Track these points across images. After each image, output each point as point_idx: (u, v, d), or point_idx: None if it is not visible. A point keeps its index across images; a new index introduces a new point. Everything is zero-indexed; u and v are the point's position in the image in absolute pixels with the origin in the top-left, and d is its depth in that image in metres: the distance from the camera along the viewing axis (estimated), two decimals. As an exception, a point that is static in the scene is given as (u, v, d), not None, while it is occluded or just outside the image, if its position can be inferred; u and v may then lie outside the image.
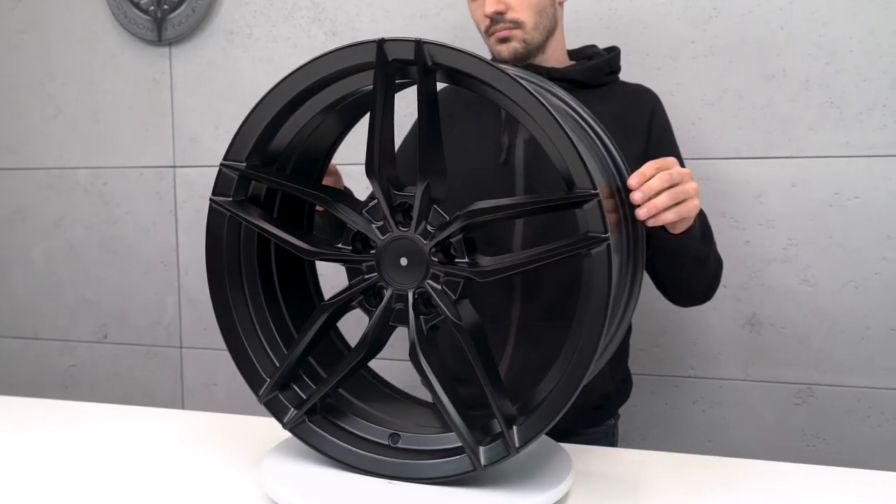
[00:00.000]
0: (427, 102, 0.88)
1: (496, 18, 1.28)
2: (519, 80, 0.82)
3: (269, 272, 1.05)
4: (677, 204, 0.94)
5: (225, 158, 0.98)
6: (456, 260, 0.90)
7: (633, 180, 0.93)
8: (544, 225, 1.26)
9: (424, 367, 0.92)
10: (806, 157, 1.62)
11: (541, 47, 1.33)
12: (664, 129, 1.33)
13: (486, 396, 0.88)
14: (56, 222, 2.18)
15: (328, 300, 0.96)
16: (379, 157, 0.92)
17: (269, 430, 1.16)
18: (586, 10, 1.71)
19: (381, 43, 0.87)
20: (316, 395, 0.96)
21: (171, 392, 2.14)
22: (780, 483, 0.99)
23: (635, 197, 0.92)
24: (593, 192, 0.81)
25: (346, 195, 0.98)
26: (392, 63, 0.89)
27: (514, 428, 0.88)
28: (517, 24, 1.28)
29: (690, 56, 1.67)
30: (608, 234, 0.81)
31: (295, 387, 1.01)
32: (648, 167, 0.94)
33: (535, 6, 1.28)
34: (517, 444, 0.86)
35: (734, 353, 1.70)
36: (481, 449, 0.88)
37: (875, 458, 1.63)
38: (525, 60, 1.32)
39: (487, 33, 1.31)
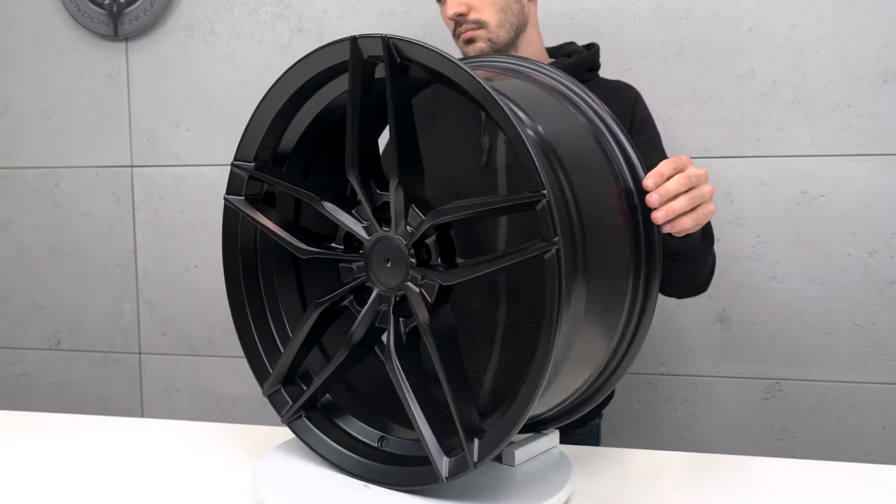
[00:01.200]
0: (398, 99, 0.85)
1: (459, 20, 1.27)
2: (473, 74, 0.78)
3: (293, 270, 1.05)
4: (693, 209, 0.89)
5: (235, 159, 0.98)
6: (431, 262, 0.88)
7: (649, 181, 0.87)
8: (528, 226, 1.25)
9: (397, 372, 0.89)
10: (774, 157, 1.65)
11: (510, 45, 1.32)
12: (646, 122, 1.33)
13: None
14: (3, 225, 2.08)
15: (320, 298, 0.95)
16: (358, 155, 0.90)
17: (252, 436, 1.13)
18: (557, 9, 1.71)
19: (354, 40, 0.85)
20: (306, 393, 0.95)
21: (129, 400, 2.06)
22: (787, 479, 1.00)
23: (652, 200, 0.87)
24: (541, 192, 0.74)
25: (340, 193, 0.95)
26: (368, 60, 0.87)
27: (476, 441, 0.82)
28: (480, 24, 1.27)
29: (661, 56, 1.69)
30: (557, 237, 0.73)
31: (300, 382, 1.01)
32: (666, 167, 0.88)
33: (497, 4, 1.27)
34: (475, 459, 0.81)
35: (705, 349, 1.72)
36: (446, 460, 0.83)
37: (840, 449, 1.68)
38: None
39: (454, 35, 1.31)
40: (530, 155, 0.74)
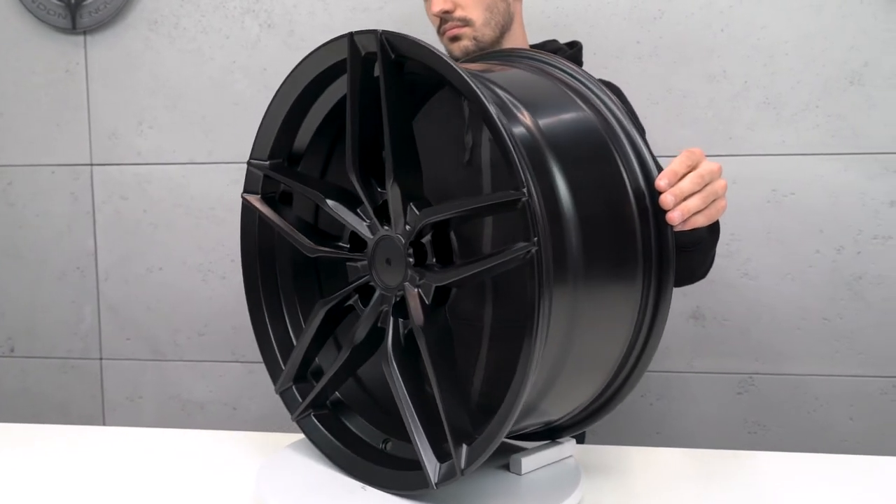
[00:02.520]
0: (393, 96, 0.83)
1: (445, 17, 1.26)
2: (459, 69, 0.75)
3: (309, 268, 1.04)
4: (707, 206, 0.87)
5: (251, 157, 0.98)
6: (427, 262, 0.86)
7: (663, 181, 0.84)
8: (514, 226, 1.25)
9: (394, 375, 0.87)
10: (745, 156, 1.69)
11: (495, 44, 1.31)
12: (635, 119, 1.34)
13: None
14: (-49, 226, 1.98)
15: (326, 297, 0.94)
16: (357, 153, 0.88)
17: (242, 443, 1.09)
18: (534, 7, 1.71)
19: (351, 37, 0.84)
20: (313, 392, 0.94)
21: (90, 407, 1.98)
22: (786, 473, 1.02)
23: (666, 201, 0.84)
24: (519, 192, 0.71)
25: (343, 192, 0.93)
26: (367, 57, 0.86)
27: (464, 447, 0.80)
28: (466, 22, 1.27)
29: (636, 56, 1.70)
30: (537, 237, 0.71)
31: (312, 380, 1.00)
32: (680, 165, 0.86)
33: (484, 3, 1.27)
34: (463, 466, 0.78)
35: (680, 346, 1.75)
36: (437, 466, 0.81)
37: (810, 441, 1.72)
38: None
39: (439, 32, 1.30)
40: (511, 151, 0.71)
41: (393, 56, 0.81)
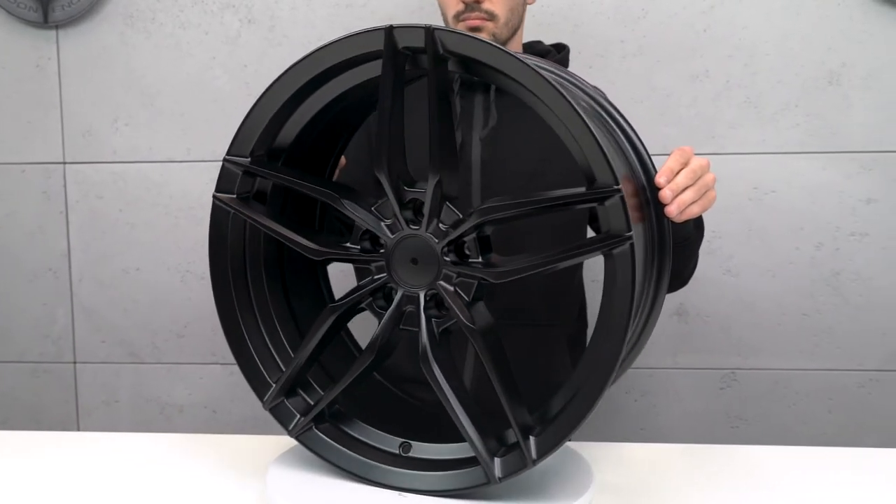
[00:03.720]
0: (439, 93, 0.84)
1: (472, 6, 1.24)
2: (538, 70, 0.79)
3: (278, 272, 0.99)
4: (700, 197, 0.95)
5: (228, 153, 0.92)
6: (470, 260, 0.87)
7: (661, 178, 0.92)
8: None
9: (437, 375, 0.87)
10: (727, 154, 1.71)
11: (504, 45, 1.31)
12: None
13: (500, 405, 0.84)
14: (-86, 226, 1.90)
15: (336, 302, 0.91)
16: (389, 151, 0.87)
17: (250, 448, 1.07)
18: (518, 6, 1.71)
19: (389, 30, 0.83)
20: (323, 401, 0.92)
21: (63, 412, 1.93)
22: (814, 471, 1.04)
23: (665, 195, 0.91)
24: (615, 187, 0.76)
25: (354, 191, 0.91)
26: (402, 52, 0.85)
27: (531, 438, 0.83)
28: (491, 17, 1.25)
29: (620, 55, 1.71)
30: (631, 232, 0.76)
31: (302, 393, 0.96)
32: (675, 163, 0.94)
33: (509, 2, 1.26)
34: (534, 456, 0.82)
35: (663, 342, 1.77)
36: (496, 461, 0.84)
37: (791, 434, 1.75)
38: None
39: (458, 19, 1.27)
40: (602, 150, 0.75)
41: (441, 51, 0.82)
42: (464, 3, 1.25)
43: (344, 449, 0.92)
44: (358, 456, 0.91)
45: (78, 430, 1.92)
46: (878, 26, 1.65)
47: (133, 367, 1.89)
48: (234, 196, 0.94)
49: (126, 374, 1.90)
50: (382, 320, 0.89)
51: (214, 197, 0.94)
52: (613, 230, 0.77)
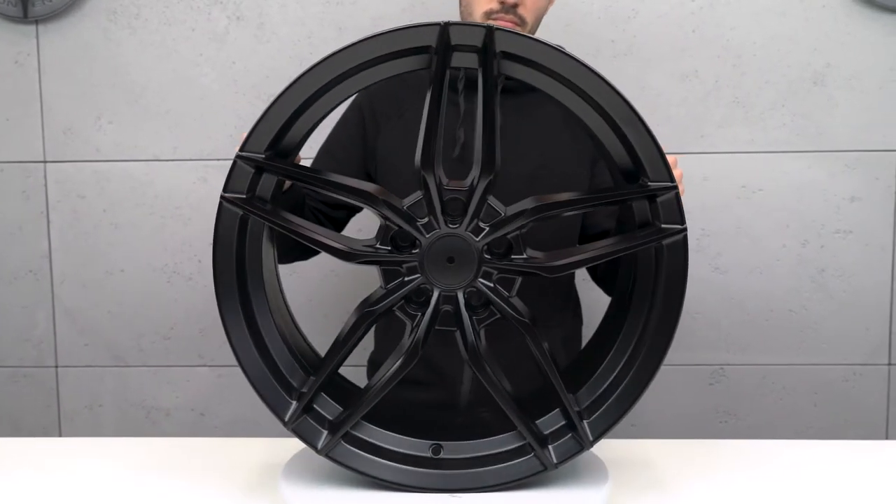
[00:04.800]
0: (490, 93, 0.85)
1: (508, 8, 1.23)
2: (598, 73, 0.84)
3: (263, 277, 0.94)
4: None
5: (242, 149, 0.86)
6: (512, 256, 0.88)
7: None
8: None
9: (488, 370, 0.88)
10: (716, 153, 1.74)
11: None
12: None
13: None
14: None
15: (371, 306, 0.89)
16: (435, 149, 0.87)
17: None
18: (510, 5, 1.71)
19: (445, 26, 0.83)
20: (359, 411, 0.89)
21: (44, 418, 1.88)
22: (811, 463, 1.06)
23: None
24: (671, 184, 0.86)
25: (384, 192, 0.90)
26: (453, 48, 0.86)
27: (585, 422, 0.89)
28: (522, 21, 1.25)
29: (611, 55, 1.73)
30: (685, 224, 0.87)
31: (316, 406, 0.92)
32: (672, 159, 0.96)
33: (539, 12, 1.28)
34: (591, 438, 0.88)
35: (654, 339, 1.78)
36: (550, 448, 0.88)
37: (779, 428, 1.79)
38: None
39: (488, 17, 1.25)
40: (659, 151, 0.85)
41: (497, 51, 0.84)
42: (500, 3, 1.23)
43: (377, 458, 0.89)
44: (392, 463, 0.89)
45: (60, 436, 1.87)
46: (861, 28, 1.69)
47: (117, 371, 1.85)
48: (245, 197, 0.88)
49: (110, 377, 1.86)
50: (423, 321, 0.88)
51: (223, 198, 0.87)
52: (666, 223, 0.86)
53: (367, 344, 1.42)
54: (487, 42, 0.83)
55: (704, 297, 1.77)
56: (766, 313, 1.77)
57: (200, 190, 1.79)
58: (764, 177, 1.73)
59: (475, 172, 0.86)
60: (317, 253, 1.22)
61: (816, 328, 1.77)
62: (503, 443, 0.91)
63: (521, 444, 0.90)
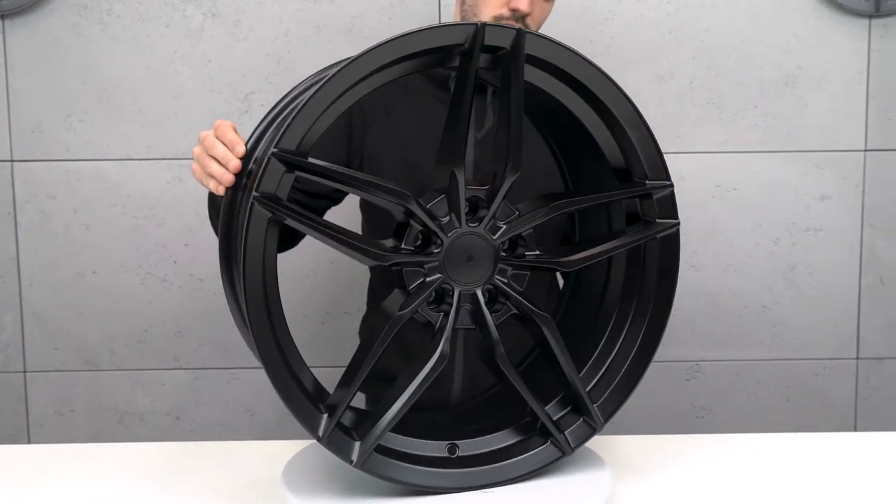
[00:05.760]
0: (517, 94, 0.87)
1: (516, 15, 1.23)
2: (610, 77, 0.92)
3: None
4: None
5: (277, 146, 0.81)
6: (526, 253, 0.91)
7: None
8: None
9: (510, 371, 0.90)
10: (692, 153, 1.77)
11: None
12: None
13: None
14: None
15: (401, 311, 0.86)
16: (463, 148, 0.88)
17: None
18: (489, 5, 1.72)
19: (483, 26, 0.84)
20: (393, 419, 0.85)
21: (12, 424, 1.82)
22: (777, 455, 1.09)
23: None
24: (669, 183, 0.94)
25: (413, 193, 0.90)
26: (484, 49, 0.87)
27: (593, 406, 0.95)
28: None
29: (589, 55, 1.71)
30: (678, 219, 0.95)
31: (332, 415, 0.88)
32: None
33: (541, 23, 1.31)
34: (602, 420, 0.94)
35: (632, 336, 1.81)
36: (566, 434, 0.93)
37: (753, 422, 1.83)
38: None
39: (495, 21, 1.25)
40: (660, 153, 0.91)
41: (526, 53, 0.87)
42: (511, 10, 1.23)
43: (407, 465, 0.87)
44: (420, 467, 0.88)
45: (29, 442, 1.82)
46: (829, 31, 1.74)
47: (89, 375, 1.81)
48: (276, 195, 0.82)
49: (82, 382, 1.81)
50: (448, 321, 0.87)
51: (257, 199, 0.80)
52: (661, 218, 0.93)
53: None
54: (516, 44, 0.85)
55: (680, 294, 1.75)
56: (740, 310, 1.81)
57: (175, 190, 1.76)
58: (737, 176, 1.77)
59: (498, 170, 0.88)
60: (303, 236, 1.22)
61: (788, 324, 1.81)
62: (512, 435, 0.93)
63: (529, 435, 0.93)
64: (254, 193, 0.79)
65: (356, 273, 1.71)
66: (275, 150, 0.79)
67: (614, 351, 0.98)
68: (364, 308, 1.45)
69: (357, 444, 0.84)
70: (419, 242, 0.88)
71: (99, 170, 1.75)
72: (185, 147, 1.75)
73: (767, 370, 1.83)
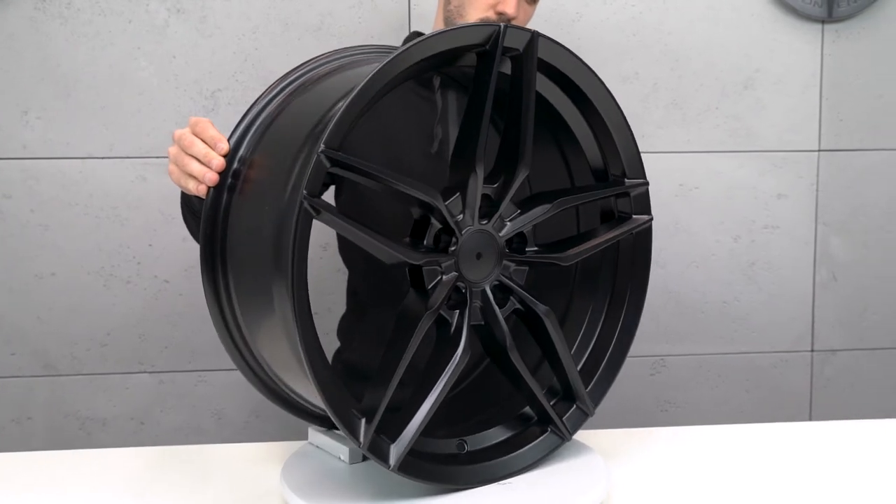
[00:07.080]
0: (528, 95, 0.89)
1: (502, 19, 1.23)
2: (604, 84, 0.98)
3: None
4: None
5: (325, 145, 0.78)
6: (526, 249, 0.94)
7: None
8: None
9: (521, 366, 0.91)
10: (656, 153, 1.81)
11: None
12: None
13: None
14: None
15: (430, 309, 0.85)
16: (483, 146, 0.88)
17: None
18: (459, 5, 1.73)
19: (505, 28, 0.86)
20: (424, 420, 0.83)
21: (-35, 434, 1.75)
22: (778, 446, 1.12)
23: None
24: (645, 181, 1.01)
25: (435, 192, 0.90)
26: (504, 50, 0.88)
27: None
28: None
29: (557, 56, 1.76)
30: (652, 214, 1.02)
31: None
32: None
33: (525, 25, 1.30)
34: (593, 405, 0.99)
35: (599, 333, 1.84)
36: (563, 421, 0.96)
37: (714, 414, 1.88)
38: None
39: (479, 21, 1.25)
40: (638, 153, 0.99)
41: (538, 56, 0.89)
42: (497, 13, 1.24)
43: (430, 464, 0.87)
44: (440, 466, 0.88)
45: (-16, 451, 1.75)
46: (785, 35, 1.80)
47: (48, 381, 1.75)
48: (318, 198, 0.78)
49: (40, 387, 1.75)
50: (465, 317, 0.88)
51: (307, 199, 0.76)
52: (637, 213, 1.00)
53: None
54: (529, 46, 0.87)
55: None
56: (702, 305, 1.86)
57: (139, 189, 1.72)
58: (700, 175, 1.82)
59: (508, 168, 0.91)
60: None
61: (746, 319, 1.87)
62: (510, 427, 0.95)
63: (525, 426, 0.96)
64: (302, 192, 0.76)
65: (326, 273, 1.70)
66: (325, 149, 0.77)
67: (595, 336, 1.04)
68: (335, 308, 1.45)
69: (392, 448, 0.82)
70: (441, 242, 0.90)
71: (59, 168, 1.70)
72: (149, 145, 1.71)
73: (727, 363, 1.89)
